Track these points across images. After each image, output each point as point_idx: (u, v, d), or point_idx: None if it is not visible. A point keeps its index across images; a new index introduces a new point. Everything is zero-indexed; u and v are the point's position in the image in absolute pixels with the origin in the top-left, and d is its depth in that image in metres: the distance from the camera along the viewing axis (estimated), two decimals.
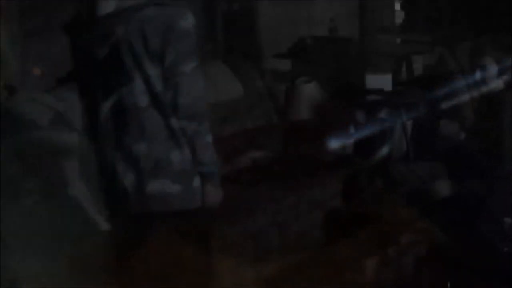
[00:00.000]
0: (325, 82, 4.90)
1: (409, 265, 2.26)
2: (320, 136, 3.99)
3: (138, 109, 2.04)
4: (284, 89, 4.78)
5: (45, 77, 4.08)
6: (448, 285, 2.02)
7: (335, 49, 5.29)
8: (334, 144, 4.01)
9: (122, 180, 2.05)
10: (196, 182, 2.07)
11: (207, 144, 2.06)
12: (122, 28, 2.03)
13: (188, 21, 2.05)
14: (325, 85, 4.82)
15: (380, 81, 4.16)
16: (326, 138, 4.03)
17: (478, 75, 2.82)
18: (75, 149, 2.78)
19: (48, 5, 4.08)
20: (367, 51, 4.45)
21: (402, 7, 6.96)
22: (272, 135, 3.97)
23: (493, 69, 2.80)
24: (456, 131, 3.71)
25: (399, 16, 7.00)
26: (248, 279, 2.25)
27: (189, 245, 1.97)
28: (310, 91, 4.59)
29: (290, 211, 3.14)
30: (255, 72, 4.61)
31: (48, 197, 2.65)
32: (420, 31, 6.25)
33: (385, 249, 2.33)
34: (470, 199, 2.71)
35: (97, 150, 2.16)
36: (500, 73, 2.82)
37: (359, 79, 4.47)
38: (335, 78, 5.14)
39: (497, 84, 2.83)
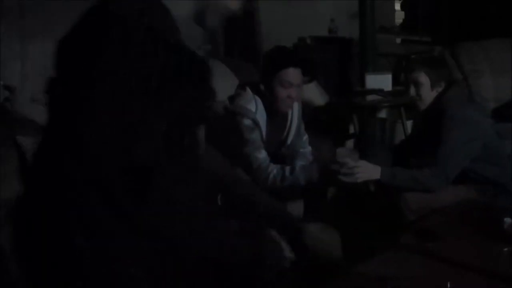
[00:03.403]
0: (325, 82, 4.90)
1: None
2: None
3: None
4: None
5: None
6: (448, 285, 2.02)
7: (335, 49, 5.29)
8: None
9: None
10: None
11: None
12: None
13: None
14: (325, 85, 4.82)
15: (380, 81, 4.16)
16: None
17: (412, 90, 2.89)
18: None
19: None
20: (367, 51, 4.45)
21: (402, 7, 6.97)
22: None
23: (426, 82, 2.86)
24: None
25: (399, 16, 7.01)
26: None
27: None
28: (310, 91, 4.59)
29: None
30: (255, 72, 4.61)
31: None
32: (420, 31, 6.26)
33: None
34: None
35: None
36: (433, 87, 2.87)
37: (359, 79, 4.47)
38: (335, 78, 5.15)
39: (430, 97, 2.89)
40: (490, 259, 2.22)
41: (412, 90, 2.88)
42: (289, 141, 3.05)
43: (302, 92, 2.94)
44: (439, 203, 2.74)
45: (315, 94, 4.61)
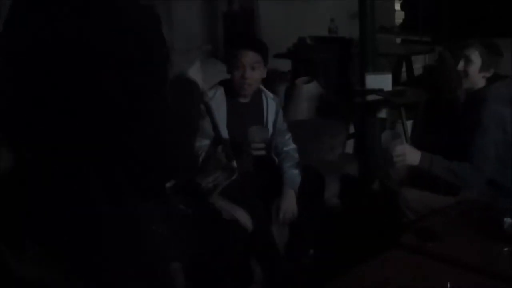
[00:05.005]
0: (325, 82, 4.90)
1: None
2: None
3: None
4: (284, 89, 4.78)
5: None
6: (448, 285, 2.02)
7: (335, 49, 5.29)
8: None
9: None
10: None
11: None
12: None
13: None
14: (325, 85, 4.82)
15: (380, 81, 4.16)
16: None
17: (461, 64, 2.87)
18: None
19: None
20: (367, 51, 4.44)
21: (402, 7, 6.97)
22: None
23: (476, 61, 2.85)
24: None
25: (399, 16, 7.01)
26: None
27: None
28: (310, 91, 4.59)
29: None
30: None
31: None
32: (420, 31, 6.26)
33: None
34: None
35: None
36: (482, 69, 2.85)
37: (359, 79, 4.47)
38: (335, 78, 5.14)
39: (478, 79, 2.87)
40: (490, 259, 2.22)
41: (461, 65, 2.86)
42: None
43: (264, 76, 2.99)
44: (439, 203, 2.73)
45: (315, 94, 4.61)
